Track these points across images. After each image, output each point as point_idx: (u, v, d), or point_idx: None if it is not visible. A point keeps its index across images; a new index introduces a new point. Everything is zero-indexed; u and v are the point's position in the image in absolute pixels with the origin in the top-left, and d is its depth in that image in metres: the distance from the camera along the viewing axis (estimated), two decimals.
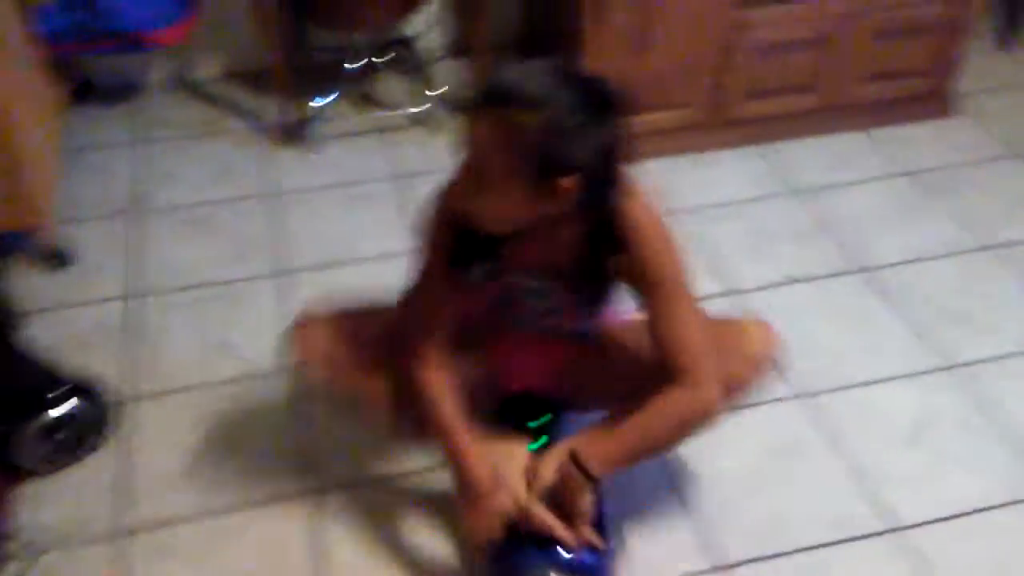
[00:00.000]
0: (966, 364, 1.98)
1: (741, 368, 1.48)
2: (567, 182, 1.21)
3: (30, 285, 2.15)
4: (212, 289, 2.17)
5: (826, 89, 2.59)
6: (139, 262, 2.25)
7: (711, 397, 1.37)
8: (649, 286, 1.36)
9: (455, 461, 1.46)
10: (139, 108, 2.79)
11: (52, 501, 1.71)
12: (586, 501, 1.40)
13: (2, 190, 2.04)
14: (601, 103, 1.21)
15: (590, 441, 1.40)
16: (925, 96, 2.70)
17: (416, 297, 1.47)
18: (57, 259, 2.21)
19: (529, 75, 1.21)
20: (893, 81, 2.63)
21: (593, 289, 1.45)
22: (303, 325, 1.57)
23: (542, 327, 1.56)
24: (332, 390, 1.63)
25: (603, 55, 2.38)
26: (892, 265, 2.24)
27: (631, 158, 1.30)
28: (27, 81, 2.24)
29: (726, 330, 1.51)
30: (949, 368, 1.97)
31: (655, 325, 1.37)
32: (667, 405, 1.36)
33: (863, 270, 2.23)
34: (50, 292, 2.15)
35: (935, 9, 2.53)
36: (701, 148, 2.59)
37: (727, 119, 2.58)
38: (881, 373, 1.96)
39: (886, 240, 2.31)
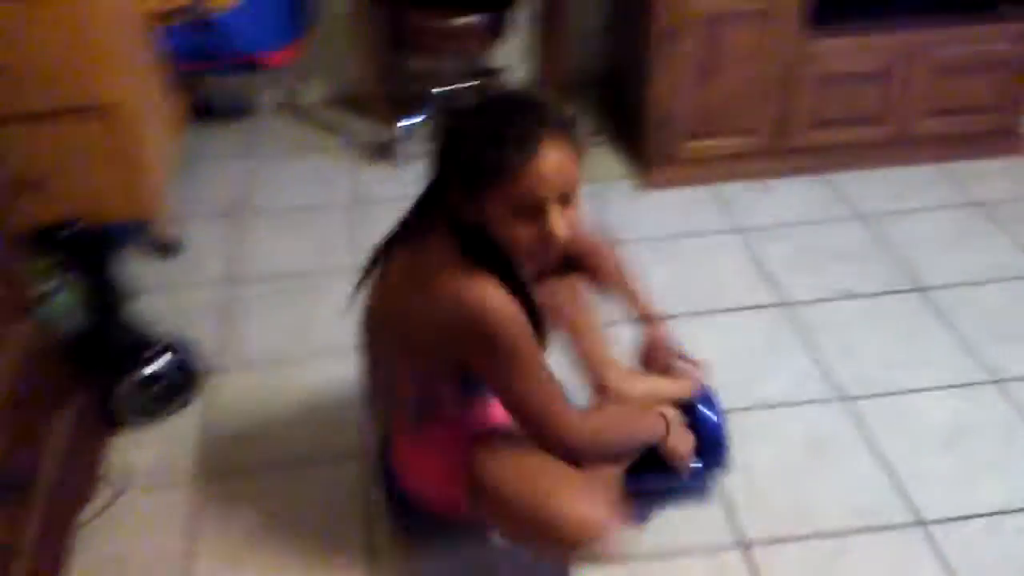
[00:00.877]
0: (1011, 379, 2.00)
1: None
2: None
3: (141, 270, 2.41)
4: (298, 280, 2.39)
5: (892, 121, 2.67)
6: (237, 254, 2.49)
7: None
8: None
9: (655, 430, 1.56)
10: (250, 127, 3.09)
11: (141, 447, 1.92)
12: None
13: (125, 187, 2.34)
14: None
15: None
16: (994, 133, 2.73)
17: (544, 379, 1.37)
18: (166, 249, 2.48)
19: (512, 100, 1.31)
20: (959, 116, 2.69)
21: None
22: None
23: None
24: None
25: (673, 84, 2.53)
26: (947, 286, 2.28)
27: None
28: (155, 96, 2.55)
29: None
30: (994, 382, 2.00)
31: None
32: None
33: (918, 289, 2.27)
34: (157, 277, 2.41)
35: (1002, 47, 2.59)
36: (765, 175, 2.69)
37: (792, 147, 2.67)
38: (924, 383, 2.01)
39: (943, 262, 2.35)
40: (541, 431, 1.37)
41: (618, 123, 2.97)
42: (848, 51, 2.55)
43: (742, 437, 1.87)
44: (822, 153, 2.69)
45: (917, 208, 2.57)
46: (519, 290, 1.34)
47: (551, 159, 1.23)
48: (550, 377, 1.37)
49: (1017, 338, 2.11)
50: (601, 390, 1.66)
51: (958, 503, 1.74)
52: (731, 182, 2.67)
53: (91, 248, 2.22)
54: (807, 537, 1.69)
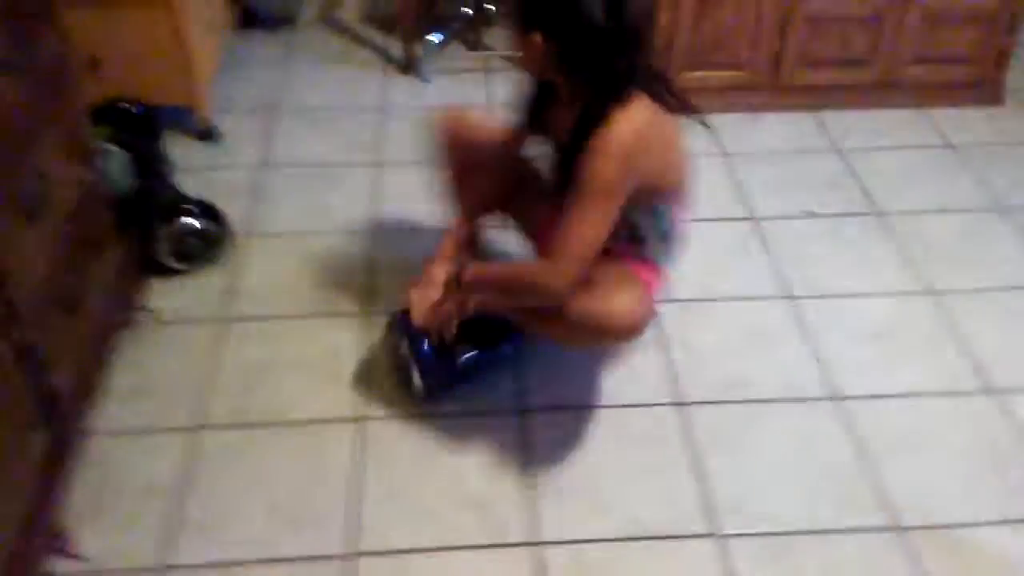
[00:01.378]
0: (942, 292, 2.24)
1: (597, 313, 1.69)
2: (536, 38, 1.59)
3: (184, 151, 2.71)
4: (322, 169, 2.68)
5: (879, 65, 2.87)
6: (269, 144, 2.79)
7: (562, 279, 1.62)
8: (575, 184, 1.61)
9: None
10: (290, 37, 3.36)
11: (174, 291, 2.23)
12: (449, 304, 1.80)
13: (175, 74, 2.63)
14: None
15: (476, 264, 1.83)
16: (976, 83, 2.92)
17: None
18: (208, 134, 2.77)
19: None
20: (943, 65, 2.88)
21: (563, 175, 1.68)
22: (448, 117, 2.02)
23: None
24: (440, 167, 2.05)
25: (675, 16, 2.75)
26: (903, 213, 2.50)
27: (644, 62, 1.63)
28: (206, 2, 2.83)
29: (604, 280, 1.72)
30: (926, 293, 2.23)
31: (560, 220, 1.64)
32: (531, 266, 1.83)
33: (876, 213, 2.50)
34: (199, 158, 2.71)
35: (990, 2, 2.76)
36: (756, 108, 2.91)
37: (782, 84, 2.89)
38: (863, 288, 2.25)
39: (905, 193, 2.58)
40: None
41: None
42: None
43: (695, 322, 2.14)
44: (811, 91, 2.90)
45: (892, 146, 2.78)
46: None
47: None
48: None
49: (955, 259, 2.34)
50: None
51: (873, 385, 2.00)
52: (723, 113, 2.89)
53: (142, 124, 2.53)
54: (733, 402, 1.96)
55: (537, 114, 1.83)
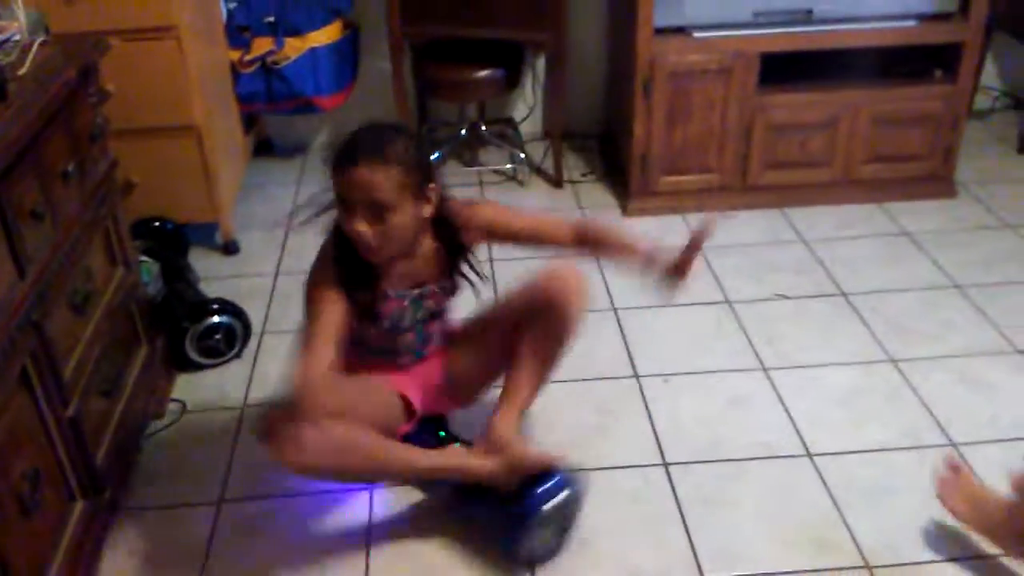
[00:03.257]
0: (904, 360, 2.44)
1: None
2: (435, 187, 1.78)
3: (210, 262, 2.97)
4: None
5: (838, 165, 3.16)
6: (283, 255, 3.05)
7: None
8: (517, 234, 1.94)
9: (440, 468, 1.90)
10: (303, 161, 3.69)
11: (200, 383, 2.44)
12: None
13: (201, 197, 2.91)
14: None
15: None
16: (927, 178, 3.20)
17: (311, 324, 1.78)
18: (228, 248, 3.04)
19: (369, 130, 1.76)
20: (896, 163, 3.17)
21: (453, 281, 1.95)
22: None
23: (427, 336, 2.00)
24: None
25: (650, 129, 3.06)
26: (866, 292, 2.74)
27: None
28: (231, 126, 3.16)
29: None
30: (889, 361, 2.44)
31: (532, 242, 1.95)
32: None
33: (841, 294, 2.74)
34: (222, 267, 2.97)
35: (935, 105, 3.08)
36: (727, 207, 3.18)
37: (750, 184, 3.17)
38: (831, 359, 2.46)
39: (868, 275, 2.82)
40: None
41: (610, 163, 3.54)
42: (798, 105, 3.06)
43: (677, 394, 2.34)
44: (776, 190, 3.19)
45: (854, 236, 3.04)
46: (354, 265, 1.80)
47: (359, 173, 1.67)
48: (321, 325, 1.75)
49: (917, 332, 2.56)
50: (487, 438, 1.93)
51: (842, 443, 2.17)
52: (698, 212, 3.16)
53: (172, 238, 2.80)
54: (715, 461, 2.14)
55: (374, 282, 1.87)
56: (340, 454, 1.75)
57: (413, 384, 2.02)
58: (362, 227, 1.71)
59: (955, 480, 1.87)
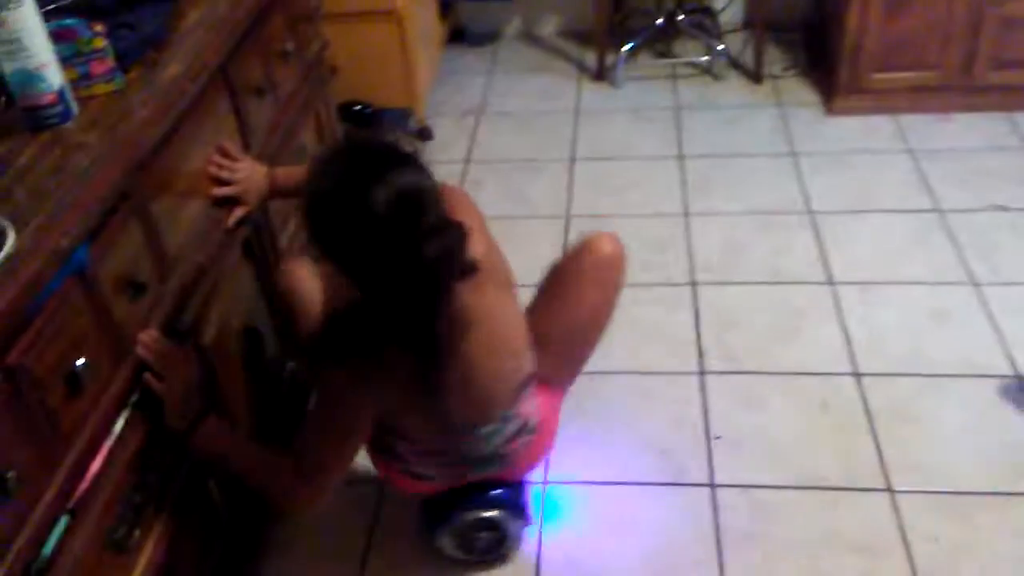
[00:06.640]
0: None
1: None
2: None
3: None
4: (522, 163, 2.96)
5: None
6: (476, 142, 3.10)
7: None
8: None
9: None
10: (495, 50, 3.69)
11: None
12: None
13: (398, 82, 2.98)
14: None
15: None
16: None
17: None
18: (423, 134, 3.12)
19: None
20: None
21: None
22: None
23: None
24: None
25: (865, 19, 2.84)
26: None
27: None
28: (429, 14, 3.19)
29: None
30: None
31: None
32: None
33: None
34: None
35: None
36: (945, 109, 2.94)
37: (973, 85, 2.90)
38: None
39: None
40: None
41: (815, 57, 3.32)
42: None
43: (875, 303, 2.24)
44: (1002, 92, 2.90)
45: None
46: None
47: None
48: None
49: None
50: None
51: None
52: (911, 114, 2.94)
53: (371, 122, 2.90)
54: (912, 375, 2.04)
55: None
56: None
57: None
58: None
59: None
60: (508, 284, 1.58)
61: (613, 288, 1.72)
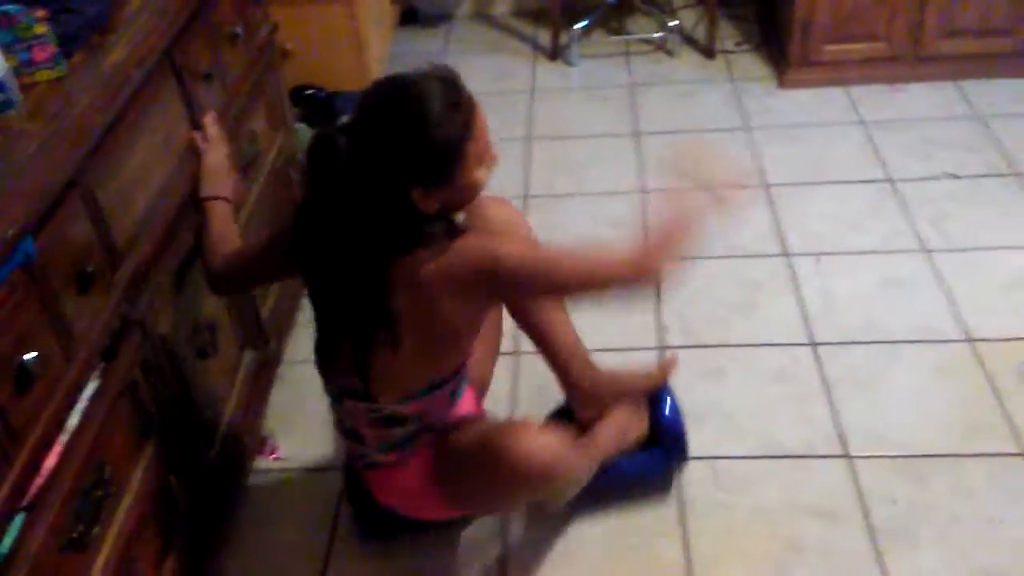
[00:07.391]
0: None
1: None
2: None
3: None
4: None
5: (1021, 33, 2.87)
6: None
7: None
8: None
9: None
10: (448, 31, 3.67)
11: None
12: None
13: (350, 65, 2.95)
14: None
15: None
16: None
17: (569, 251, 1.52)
18: None
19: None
20: None
21: None
22: None
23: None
24: None
25: None
26: None
27: None
28: (377, 1, 3.15)
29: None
30: None
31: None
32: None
33: (1018, 174, 2.54)
34: None
35: None
36: (896, 79, 2.98)
37: (923, 55, 2.94)
38: (1001, 243, 2.32)
39: None
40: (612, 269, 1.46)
41: (766, 32, 3.34)
42: None
43: (830, 272, 2.27)
44: (951, 61, 2.95)
45: None
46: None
47: (475, 102, 1.41)
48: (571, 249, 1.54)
49: None
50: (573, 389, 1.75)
51: (1008, 329, 2.07)
52: (862, 85, 2.97)
53: (324, 106, 2.87)
54: (867, 343, 2.08)
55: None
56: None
57: None
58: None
59: None
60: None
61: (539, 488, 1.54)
